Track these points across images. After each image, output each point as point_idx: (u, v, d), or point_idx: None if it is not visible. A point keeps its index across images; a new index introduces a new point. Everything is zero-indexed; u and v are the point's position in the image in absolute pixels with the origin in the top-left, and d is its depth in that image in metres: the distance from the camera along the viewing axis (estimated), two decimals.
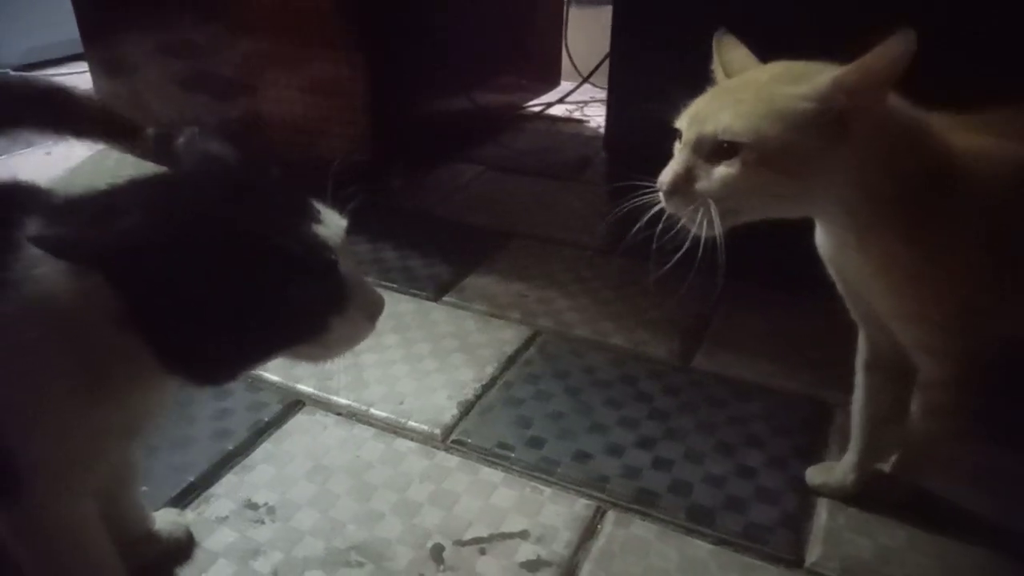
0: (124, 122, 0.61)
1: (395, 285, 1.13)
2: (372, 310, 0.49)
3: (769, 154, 0.51)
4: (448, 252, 1.23)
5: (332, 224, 0.48)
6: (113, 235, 0.42)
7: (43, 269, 0.44)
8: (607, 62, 1.33)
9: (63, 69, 2.17)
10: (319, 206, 0.49)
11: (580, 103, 1.91)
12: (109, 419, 0.49)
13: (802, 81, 0.51)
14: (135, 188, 0.47)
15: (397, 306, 1.07)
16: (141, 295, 0.43)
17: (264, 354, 0.48)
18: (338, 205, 0.50)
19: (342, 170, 0.55)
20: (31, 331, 0.45)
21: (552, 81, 1.91)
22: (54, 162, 1.59)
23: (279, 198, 0.48)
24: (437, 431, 0.84)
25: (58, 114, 0.60)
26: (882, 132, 0.52)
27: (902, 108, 0.54)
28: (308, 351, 0.48)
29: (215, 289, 0.43)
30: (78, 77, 1.98)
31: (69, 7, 1.60)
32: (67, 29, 1.70)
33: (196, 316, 0.44)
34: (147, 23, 1.50)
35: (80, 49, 1.68)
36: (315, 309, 0.46)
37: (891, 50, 0.48)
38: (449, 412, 0.87)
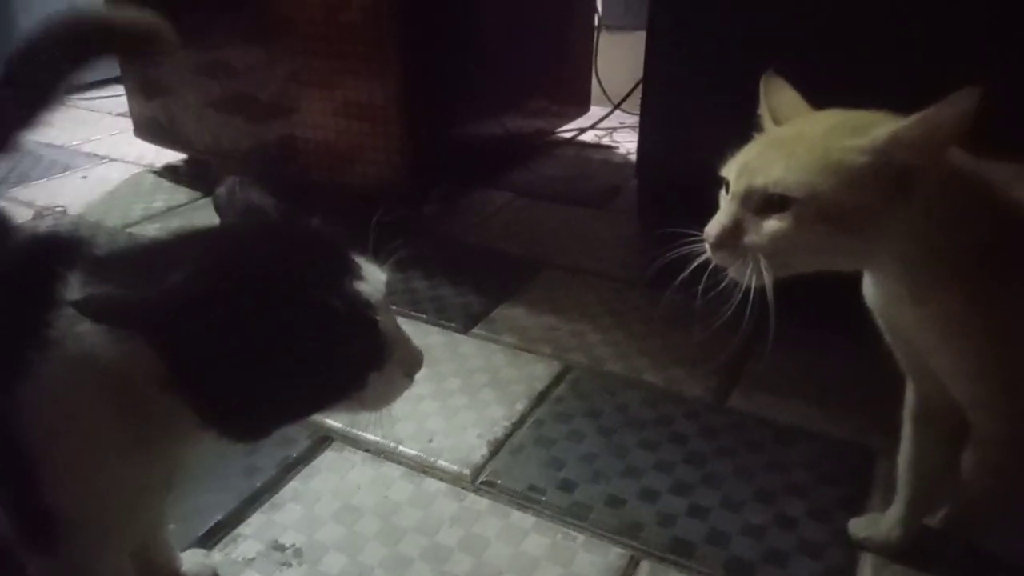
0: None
1: (424, 316, 1.12)
2: (411, 366, 0.48)
3: (823, 210, 0.49)
4: (478, 281, 1.22)
5: (373, 280, 0.47)
6: (152, 300, 0.41)
7: (85, 327, 0.44)
8: (638, 88, 1.32)
9: (102, 92, 2.21)
10: (360, 260, 0.48)
11: (609, 129, 1.90)
12: (148, 476, 0.49)
13: (859, 133, 0.49)
14: (176, 245, 0.47)
15: (427, 338, 1.06)
16: (182, 355, 0.42)
17: (302, 411, 0.47)
18: (379, 256, 0.49)
19: (377, 196, 0.54)
20: (73, 389, 0.45)
21: (582, 107, 1.90)
22: (91, 186, 1.61)
23: (320, 253, 0.47)
24: (467, 471, 0.83)
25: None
26: (944, 188, 0.50)
27: (964, 162, 0.52)
28: (345, 407, 0.47)
29: (256, 349, 0.42)
30: (116, 100, 2.01)
31: None
32: None
33: (236, 375, 0.43)
34: (183, 46, 1.52)
35: (118, 72, 1.70)
36: (354, 367, 0.46)
37: (955, 106, 0.46)
38: (479, 451, 0.85)
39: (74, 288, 0.46)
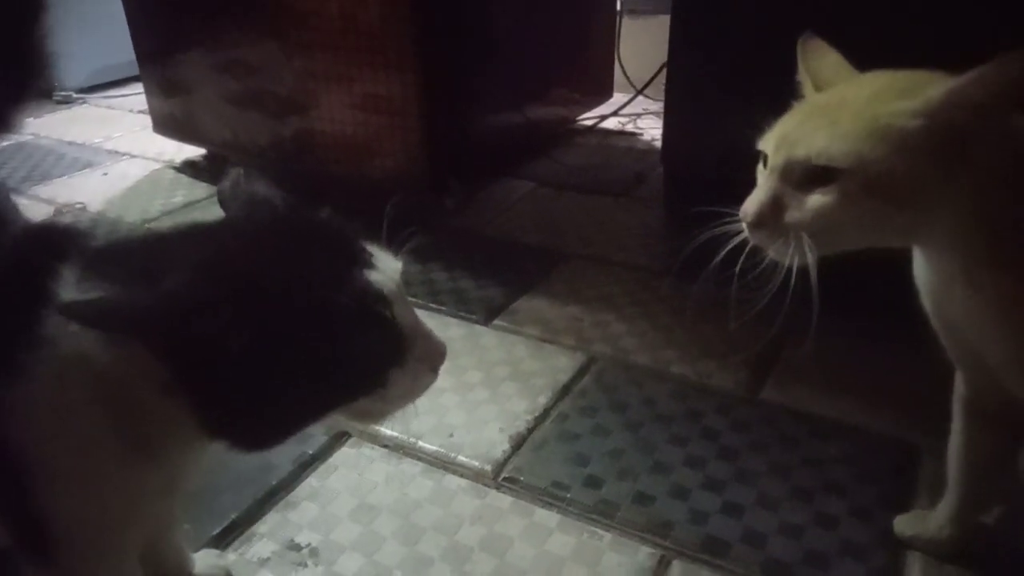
0: None
1: (445, 308, 1.09)
2: (434, 360, 0.45)
3: (872, 180, 0.44)
4: (499, 273, 1.18)
5: (386, 269, 0.44)
6: (149, 304, 0.39)
7: (79, 326, 0.41)
8: (662, 73, 1.27)
9: (123, 90, 2.22)
10: (372, 249, 0.45)
11: (633, 116, 1.85)
12: (148, 481, 0.47)
13: (911, 95, 0.45)
14: (177, 241, 0.45)
15: (447, 331, 1.03)
16: (184, 360, 0.40)
17: (317, 415, 0.44)
18: (394, 245, 0.46)
19: (396, 189, 0.52)
20: (68, 391, 0.42)
21: (605, 94, 1.86)
22: (111, 182, 1.61)
23: (329, 244, 0.44)
24: (488, 467, 0.79)
25: None
26: (1006, 154, 0.45)
27: None
28: (366, 407, 0.45)
29: (263, 351, 0.40)
30: (135, 98, 2.02)
31: (126, 30, 1.62)
32: (126, 51, 1.72)
33: (244, 380, 0.40)
34: (200, 44, 1.51)
35: (137, 71, 1.70)
36: (371, 363, 0.43)
37: (1020, 61, 0.41)
38: (500, 447, 0.82)
39: (69, 283, 0.43)
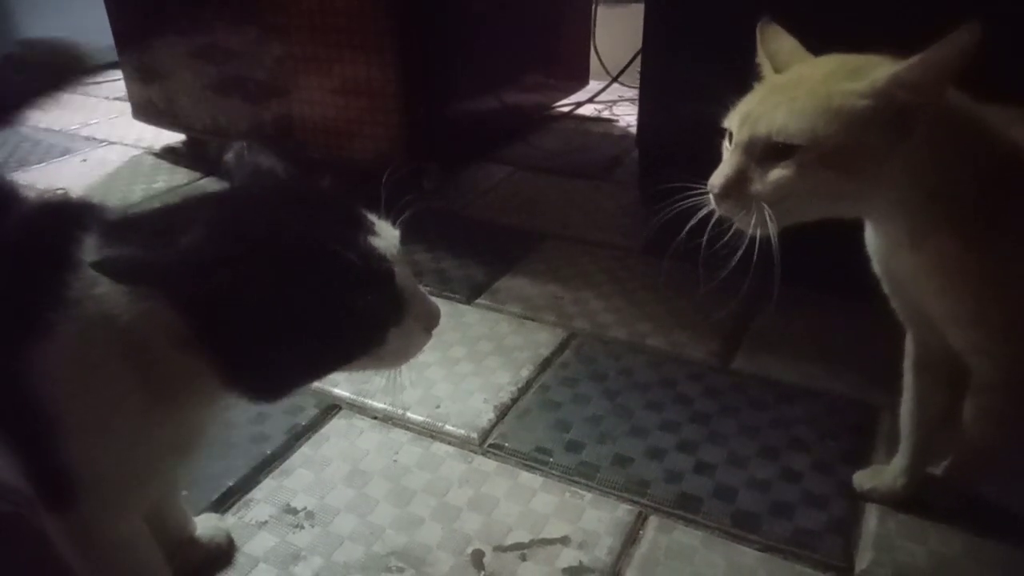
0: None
1: (428, 288, 1.11)
2: (429, 320, 0.49)
3: (826, 155, 0.49)
4: (480, 254, 1.22)
5: (386, 235, 0.47)
6: (173, 258, 0.42)
7: (104, 288, 0.44)
8: (636, 61, 1.31)
9: (98, 77, 2.21)
10: (372, 217, 0.48)
11: (609, 102, 1.89)
12: (166, 436, 0.50)
13: (859, 76, 0.49)
14: (191, 207, 0.48)
15: None
16: (203, 314, 0.43)
17: (324, 368, 0.47)
18: (390, 215, 0.50)
19: (376, 172, 0.55)
20: (92, 350, 0.45)
21: (581, 81, 1.90)
22: (90, 168, 1.61)
23: (333, 211, 0.48)
24: (474, 435, 0.84)
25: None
26: (943, 129, 0.50)
27: (962, 104, 0.52)
28: (365, 363, 0.48)
29: (277, 305, 0.43)
30: (112, 85, 2.01)
31: (104, 16, 1.62)
32: (102, 37, 1.72)
33: (258, 333, 0.43)
34: (179, 29, 1.51)
35: (115, 57, 1.69)
36: (374, 321, 0.46)
37: (954, 45, 0.46)
38: (486, 416, 0.86)
39: (90, 250, 0.46)
